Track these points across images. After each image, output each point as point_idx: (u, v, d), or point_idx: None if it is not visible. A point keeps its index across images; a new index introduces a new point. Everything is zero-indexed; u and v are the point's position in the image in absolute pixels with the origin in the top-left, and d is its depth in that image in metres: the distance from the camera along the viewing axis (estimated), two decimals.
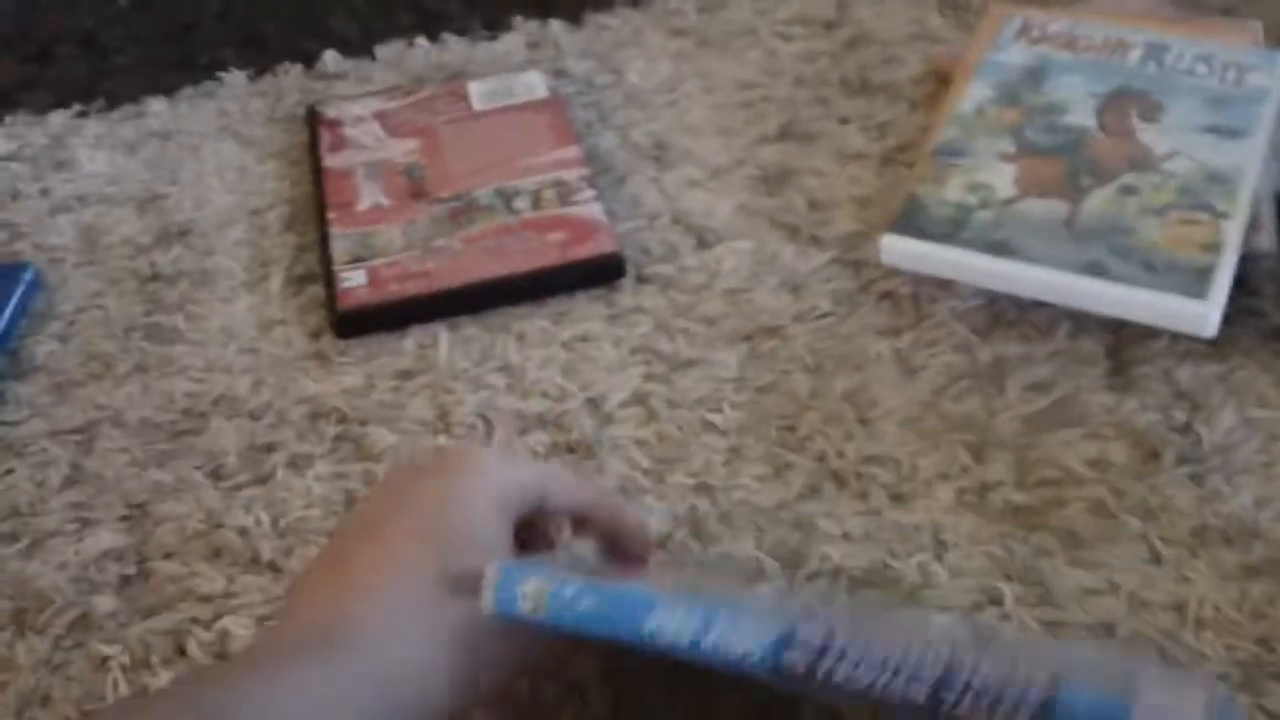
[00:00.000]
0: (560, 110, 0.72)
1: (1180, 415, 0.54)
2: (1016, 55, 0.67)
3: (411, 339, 0.61)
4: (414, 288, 0.62)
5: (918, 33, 0.76)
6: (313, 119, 0.74)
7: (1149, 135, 0.61)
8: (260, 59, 0.80)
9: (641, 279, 0.63)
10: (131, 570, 0.53)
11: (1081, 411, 0.54)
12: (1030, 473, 0.52)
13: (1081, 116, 0.63)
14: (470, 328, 0.62)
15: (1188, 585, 0.48)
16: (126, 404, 0.60)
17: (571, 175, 0.67)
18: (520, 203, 0.66)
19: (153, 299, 0.66)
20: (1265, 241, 0.59)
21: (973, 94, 0.65)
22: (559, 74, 0.76)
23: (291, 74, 0.79)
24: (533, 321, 0.62)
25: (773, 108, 0.72)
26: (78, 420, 0.59)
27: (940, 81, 0.71)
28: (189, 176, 0.73)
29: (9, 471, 0.57)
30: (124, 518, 0.55)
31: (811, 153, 0.69)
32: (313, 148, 0.72)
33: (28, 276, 0.66)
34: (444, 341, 0.61)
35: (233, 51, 0.81)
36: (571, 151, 0.69)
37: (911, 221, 0.59)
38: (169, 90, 0.78)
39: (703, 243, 0.65)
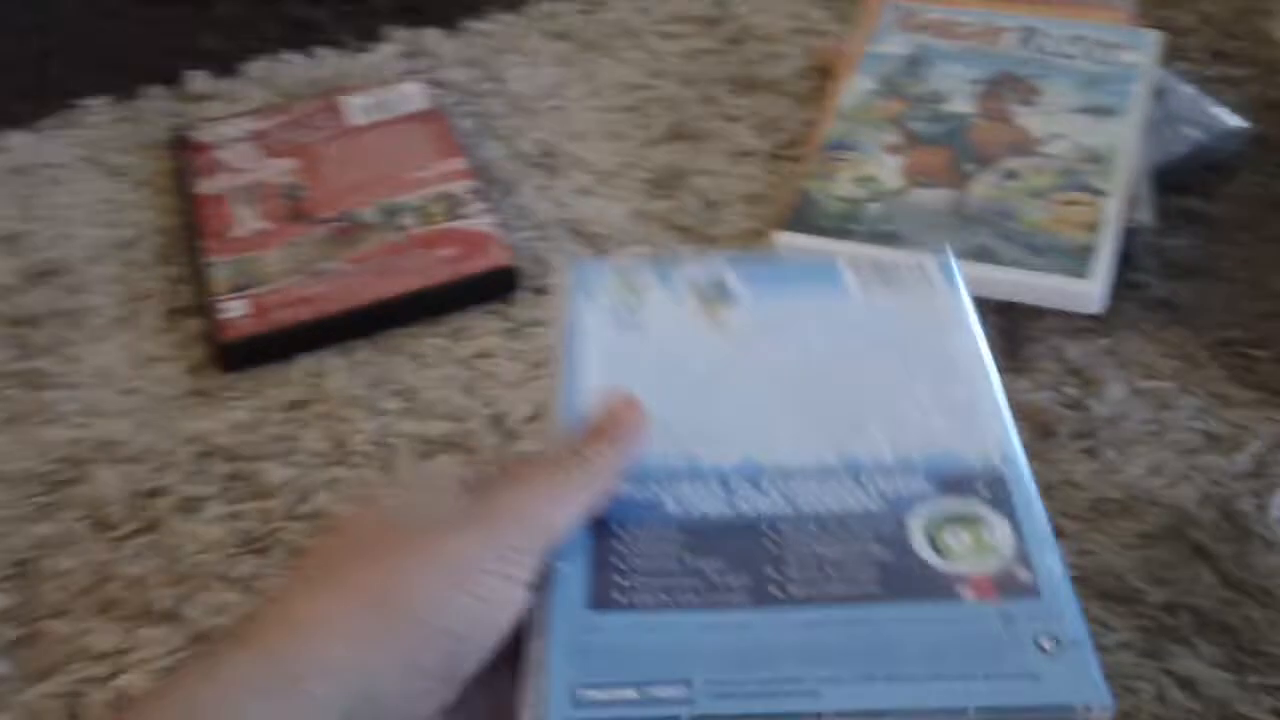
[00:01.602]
0: (442, 121, 0.72)
1: (1072, 391, 0.57)
2: (896, 45, 0.69)
3: (300, 368, 0.61)
4: (300, 314, 0.62)
5: (800, 27, 0.79)
6: (181, 143, 0.73)
7: (1027, 119, 0.64)
8: (122, 83, 0.79)
9: (538, 290, 0.64)
10: (20, 632, 0.52)
11: None
12: None
13: (962, 104, 0.66)
14: (362, 352, 0.62)
15: (1090, 557, 0.51)
16: (2, 456, 0.59)
17: (458, 188, 0.68)
18: (406, 219, 0.67)
19: (22, 343, 0.64)
20: (1144, 215, 0.62)
21: (856, 87, 0.67)
22: (438, 84, 0.76)
23: (156, 97, 0.78)
24: (428, 341, 0.62)
25: (660, 108, 0.74)
26: None
27: (825, 75, 0.73)
28: (52, 211, 0.71)
29: None
30: (8, 577, 0.54)
31: (702, 152, 0.71)
32: (183, 174, 0.71)
33: None
34: (335, 368, 0.61)
35: (92, 77, 0.80)
36: (456, 163, 0.69)
37: (803, 217, 0.61)
38: (27, 122, 0.77)
39: (597, 249, 0.66)
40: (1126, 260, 0.60)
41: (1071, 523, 0.52)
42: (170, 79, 0.79)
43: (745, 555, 0.35)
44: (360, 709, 0.31)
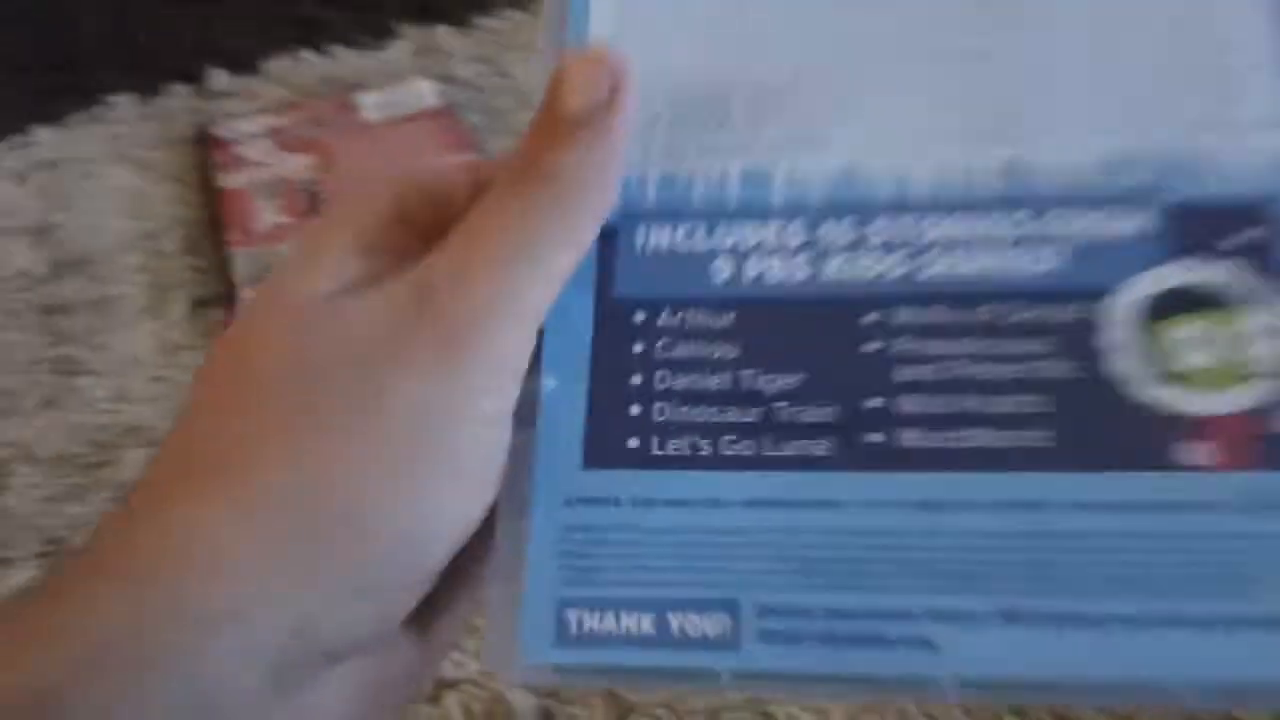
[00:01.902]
0: (453, 117, 0.76)
1: None
2: None
3: None
4: None
5: None
6: (205, 139, 0.77)
7: None
8: (146, 79, 0.83)
9: None
10: None
11: None
12: None
13: None
14: None
15: None
16: (37, 439, 0.62)
17: None
18: None
19: (54, 331, 0.68)
20: None
21: None
22: (449, 80, 0.79)
23: (181, 94, 0.82)
24: None
25: None
26: None
27: None
28: (82, 204, 0.75)
29: None
30: (43, 554, 0.57)
31: None
32: (207, 169, 0.75)
33: None
34: None
35: (117, 73, 0.84)
36: (468, 159, 0.73)
37: None
38: (56, 118, 0.81)
39: None
40: None
41: None
42: (192, 77, 0.83)
43: (834, 370, 0.22)
44: (289, 648, 0.21)
